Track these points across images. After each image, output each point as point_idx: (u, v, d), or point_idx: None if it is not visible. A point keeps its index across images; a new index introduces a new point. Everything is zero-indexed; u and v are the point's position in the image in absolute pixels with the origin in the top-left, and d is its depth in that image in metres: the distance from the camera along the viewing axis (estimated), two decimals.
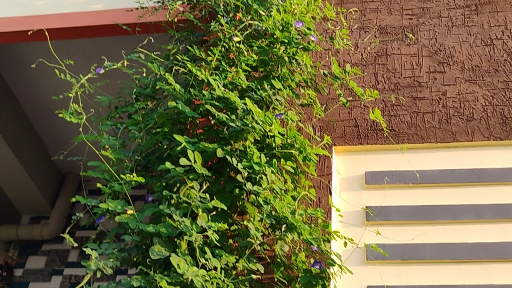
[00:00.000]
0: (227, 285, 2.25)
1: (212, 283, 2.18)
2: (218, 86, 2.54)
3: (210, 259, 2.19)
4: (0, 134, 4.33)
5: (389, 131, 3.08)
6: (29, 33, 3.05)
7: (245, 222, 2.45)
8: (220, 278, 2.17)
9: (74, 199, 2.47)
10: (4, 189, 4.67)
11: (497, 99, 3.14)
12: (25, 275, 4.56)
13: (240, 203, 2.61)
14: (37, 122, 4.64)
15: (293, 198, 2.57)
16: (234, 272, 2.36)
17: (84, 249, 2.26)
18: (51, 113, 4.37)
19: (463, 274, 2.67)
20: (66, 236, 2.38)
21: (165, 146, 2.63)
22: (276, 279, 2.53)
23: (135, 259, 2.40)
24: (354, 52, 3.46)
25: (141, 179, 2.36)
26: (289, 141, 2.66)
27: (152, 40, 2.85)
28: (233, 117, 2.51)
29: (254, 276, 2.28)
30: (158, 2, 3.50)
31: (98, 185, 2.47)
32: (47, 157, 4.75)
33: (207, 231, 2.21)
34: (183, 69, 2.68)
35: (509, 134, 3.02)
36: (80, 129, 2.44)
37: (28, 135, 4.58)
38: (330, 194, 2.88)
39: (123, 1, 3.84)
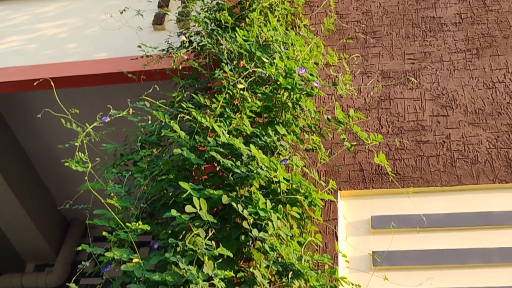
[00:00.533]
0: None
1: None
2: (223, 133, 2.56)
3: None
4: (6, 181, 4.35)
5: (394, 175, 3.08)
6: (35, 83, 3.09)
7: (251, 269, 2.43)
8: None
9: (80, 248, 2.46)
10: (9, 237, 4.66)
11: (501, 142, 3.15)
12: None
13: (246, 249, 2.59)
14: (43, 169, 4.66)
15: (300, 244, 2.55)
16: None
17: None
18: (57, 160, 4.39)
19: None
20: (72, 285, 2.36)
21: (170, 193, 2.64)
22: None
23: None
24: (357, 97, 3.49)
25: (147, 227, 2.36)
26: (294, 186, 2.66)
27: (157, 88, 2.88)
28: (238, 163, 2.52)
29: None
30: (163, 50, 3.55)
31: (104, 233, 2.47)
32: (53, 205, 4.76)
33: (213, 279, 2.20)
34: (188, 116, 2.70)
35: None
36: (86, 178, 2.45)
37: (33, 183, 4.59)
38: (337, 239, 2.86)
39: (128, 50, 3.90)
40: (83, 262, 2.39)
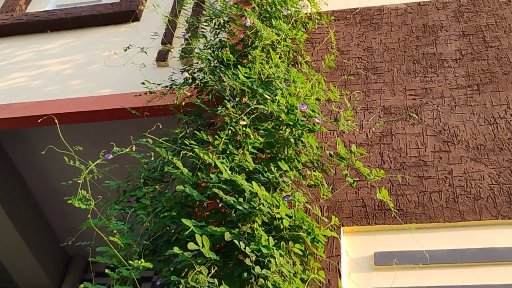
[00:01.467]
0: None
1: None
2: (225, 169, 2.57)
3: None
4: (8, 217, 4.35)
5: (396, 211, 3.08)
6: (39, 120, 3.12)
7: None
8: None
9: (82, 286, 2.46)
10: (10, 271, 4.65)
11: (503, 178, 3.15)
12: None
13: (249, 287, 2.59)
14: (46, 205, 4.67)
15: (302, 280, 2.54)
16: None
17: None
18: (60, 196, 4.39)
19: None
20: None
21: (173, 230, 2.64)
22: None
23: None
24: (359, 133, 3.50)
25: (149, 265, 2.36)
26: (297, 222, 2.66)
27: (160, 126, 2.91)
28: (241, 199, 2.53)
29: None
30: (166, 86, 3.59)
31: (107, 270, 2.47)
32: (55, 240, 4.75)
33: None
34: (190, 153, 2.72)
35: None
36: (89, 215, 2.46)
37: (36, 218, 4.59)
38: (340, 276, 2.85)
39: (132, 86, 3.94)
40: None
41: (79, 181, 2.55)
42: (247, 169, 2.77)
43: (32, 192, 4.52)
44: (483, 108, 3.50)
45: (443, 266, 2.91)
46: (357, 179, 3.18)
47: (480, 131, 3.39)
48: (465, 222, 3.03)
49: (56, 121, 2.93)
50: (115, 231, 2.61)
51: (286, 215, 2.59)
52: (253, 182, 2.52)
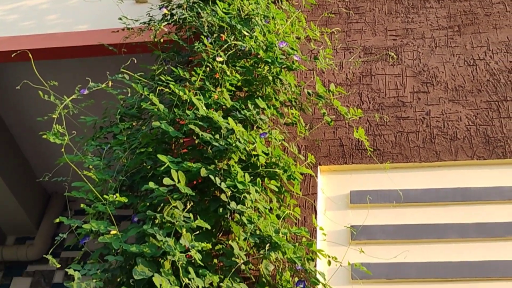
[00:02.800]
0: None
1: None
2: (202, 106, 2.55)
3: (193, 278, 2.18)
4: None
5: (373, 150, 3.10)
6: (12, 55, 3.05)
7: (229, 242, 2.44)
8: None
9: (57, 220, 2.46)
10: None
11: (480, 119, 3.17)
12: None
13: (225, 222, 2.61)
14: (24, 143, 4.63)
15: (278, 217, 2.57)
16: None
17: (67, 269, 2.25)
18: (37, 134, 4.36)
19: None
20: (49, 257, 2.36)
21: (149, 166, 2.63)
22: None
23: (118, 279, 2.39)
24: (339, 73, 3.49)
25: (124, 199, 2.36)
26: (273, 160, 2.66)
27: (135, 61, 2.86)
28: (217, 136, 2.52)
29: None
30: (144, 23, 3.52)
31: (82, 205, 2.47)
32: (33, 178, 4.73)
33: (190, 251, 2.21)
34: (167, 90, 2.69)
35: (492, 153, 3.04)
36: (62, 149, 2.44)
37: (14, 157, 4.56)
38: (315, 213, 2.88)
39: (109, 22, 3.86)
40: (60, 234, 2.39)
41: (54, 116, 2.52)
42: (224, 107, 2.76)
43: (9, 129, 4.48)
44: (463, 50, 3.49)
45: (418, 205, 2.94)
46: (334, 116, 3.18)
47: (460, 73, 3.39)
48: (441, 162, 3.06)
49: (30, 56, 2.87)
50: (91, 167, 2.60)
51: (263, 152, 2.59)
52: (230, 118, 2.51)
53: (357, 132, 2.85)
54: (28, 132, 4.46)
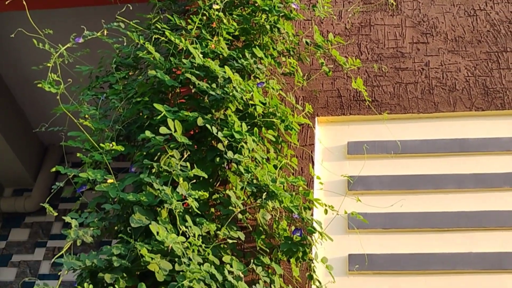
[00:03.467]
0: (208, 253, 2.25)
1: (193, 251, 2.18)
2: (198, 55, 2.52)
3: (190, 226, 2.19)
4: None
5: (371, 100, 3.08)
6: (6, 2, 2.99)
7: (227, 191, 2.44)
8: (200, 245, 2.17)
9: (54, 169, 2.45)
10: None
11: (480, 70, 3.14)
12: (8, 247, 4.55)
13: (222, 172, 2.60)
14: (19, 95, 4.59)
15: (275, 167, 2.56)
16: (216, 241, 2.37)
17: (64, 217, 2.25)
18: (33, 85, 4.32)
19: (444, 242, 2.69)
20: (46, 206, 2.36)
21: (145, 116, 2.61)
22: (258, 248, 2.53)
23: (116, 228, 2.39)
24: (338, 23, 3.43)
25: (121, 148, 2.34)
26: (270, 110, 2.64)
27: (131, 8, 2.81)
28: (214, 85, 2.50)
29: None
30: None
31: (78, 154, 2.45)
32: (30, 130, 4.71)
33: (187, 200, 2.21)
34: (163, 38, 2.65)
35: (491, 104, 3.03)
36: (58, 97, 2.41)
37: (10, 108, 4.53)
38: (312, 163, 2.87)
39: None
40: (57, 183, 2.39)
41: (48, 64, 2.48)
42: (221, 56, 2.72)
43: (4, 80, 4.43)
44: (463, 0, 3.44)
45: (415, 155, 2.94)
46: (332, 66, 3.15)
47: (459, 23, 3.34)
48: (439, 113, 3.04)
49: (24, 3, 2.81)
50: (87, 116, 2.58)
51: (260, 101, 2.57)
52: (226, 67, 2.48)
53: (355, 82, 2.83)
54: (24, 84, 4.42)
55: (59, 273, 4.21)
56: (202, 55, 2.57)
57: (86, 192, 2.58)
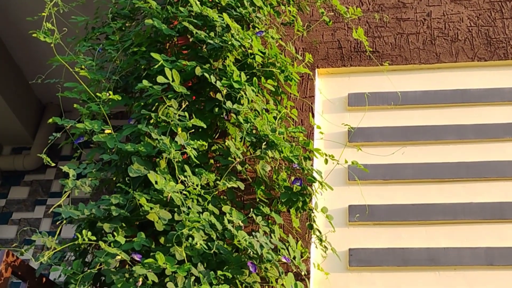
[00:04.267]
0: (208, 202, 2.23)
1: (192, 200, 2.16)
2: (196, 3, 2.47)
3: (189, 176, 2.17)
4: None
5: (372, 51, 3.03)
6: None
7: (226, 142, 2.41)
8: (199, 194, 2.16)
9: (51, 120, 2.42)
10: None
11: (482, 20, 3.09)
12: (8, 205, 4.54)
13: (221, 123, 2.57)
14: (16, 52, 4.53)
15: (275, 118, 2.53)
16: (215, 192, 2.35)
17: (61, 167, 2.23)
18: (30, 42, 4.27)
19: (444, 193, 2.68)
20: (44, 156, 2.35)
21: (143, 66, 2.57)
22: (258, 199, 2.52)
23: (114, 178, 2.37)
24: None
25: (118, 97, 2.31)
26: (270, 60, 2.60)
27: None
28: (212, 34, 2.45)
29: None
30: None
31: (75, 105, 2.42)
32: (28, 88, 4.66)
33: (186, 149, 2.18)
34: None
35: (493, 54, 2.98)
36: (52, 45, 2.36)
37: (6, 66, 4.48)
38: (313, 115, 2.84)
39: None
40: (54, 134, 2.36)
41: (43, 14, 2.43)
42: (219, 5, 2.66)
43: (1, 38, 4.37)
44: None
45: (416, 106, 2.91)
46: (332, 14, 3.09)
47: None
48: (441, 64, 3.00)
49: None
50: (83, 67, 2.54)
51: (259, 51, 2.53)
52: (225, 14, 2.43)
53: (356, 32, 2.78)
54: (20, 40, 4.36)
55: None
56: (200, 3, 2.52)
57: (86, 150, 2.56)
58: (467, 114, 2.86)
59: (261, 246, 2.09)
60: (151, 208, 2.10)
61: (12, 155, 4.71)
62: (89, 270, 2.00)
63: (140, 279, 1.97)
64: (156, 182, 2.05)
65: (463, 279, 2.49)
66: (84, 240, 1.98)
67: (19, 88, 4.57)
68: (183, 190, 2.08)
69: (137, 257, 2.03)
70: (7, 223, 4.51)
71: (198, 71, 2.38)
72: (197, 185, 2.15)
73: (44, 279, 2.28)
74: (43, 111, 4.91)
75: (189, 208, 2.09)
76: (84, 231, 1.98)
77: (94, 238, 2.01)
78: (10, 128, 4.65)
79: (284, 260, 2.17)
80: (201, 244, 2.00)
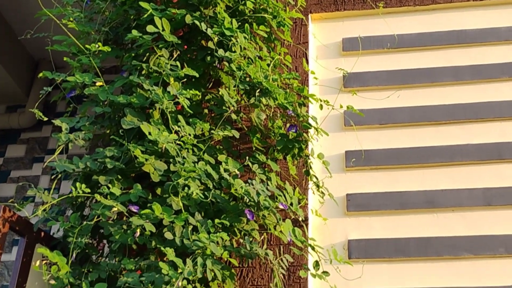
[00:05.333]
0: (203, 152, 2.22)
1: (187, 150, 2.15)
2: None
3: (183, 126, 2.15)
4: None
5: None
6: None
7: (220, 91, 2.39)
8: (194, 144, 2.14)
9: (41, 74, 2.39)
10: None
11: None
12: (6, 163, 4.53)
13: (214, 72, 2.54)
14: (5, 8, 4.47)
15: (269, 65, 2.49)
16: (211, 142, 2.33)
17: (53, 121, 2.21)
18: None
19: (441, 135, 2.66)
20: (36, 111, 2.33)
21: (132, 16, 2.52)
22: (254, 148, 2.51)
23: (108, 131, 2.36)
24: None
25: (107, 48, 2.27)
26: (262, 6, 2.55)
27: None
28: None
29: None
30: None
31: (65, 59, 2.39)
32: (19, 44, 4.60)
33: (179, 99, 2.16)
34: None
35: None
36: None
37: None
38: (307, 61, 2.81)
39: None
40: (45, 88, 2.34)
41: None
42: None
43: None
44: None
45: (412, 49, 2.87)
46: None
47: None
48: (436, 5, 2.95)
49: None
50: (71, 19, 2.49)
51: None
52: None
53: None
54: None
55: (53, 184, 4.22)
56: None
57: (80, 105, 2.53)
58: (463, 55, 2.83)
59: (258, 193, 2.08)
60: (146, 160, 2.09)
61: (7, 114, 4.68)
62: (85, 223, 2.00)
63: (138, 230, 1.97)
64: (149, 133, 2.04)
65: (461, 220, 2.50)
66: (78, 192, 1.97)
67: (10, 45, 4.51)
68: (177, 140, 2.07)
69: (134, 208, 2.03)
70: (6, 181, 4.51)
71: (188, 19, 2.33)
72: (190, 134, 2.14)
73: (42, 233, 2.28)
74: (36, 68, 4.86)
75: (184, 158, 2.08)
76: (78, 184, 1.97)
77: (88, 190, 2.01)
78: (4, 86, 4.61)
79: (281, 207, 2.17)
80: (197, 194, 2.00)
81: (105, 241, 2.29)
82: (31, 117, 4.57)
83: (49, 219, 2.14)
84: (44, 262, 2.15)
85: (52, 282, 1.97)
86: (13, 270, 2.14)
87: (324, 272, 2.15)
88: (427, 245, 2.45)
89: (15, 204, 2.10)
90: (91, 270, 2.06)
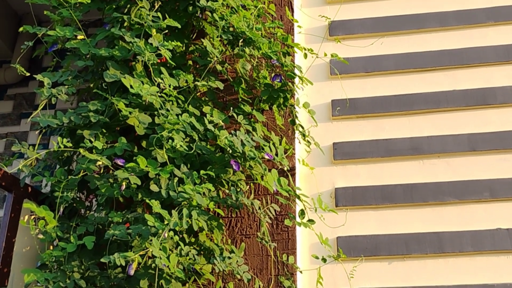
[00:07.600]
0: (188, 104, 2.21)
1: (172, 103, 2.14)
2: None
3: (166, 78, 2.13)
4: None
5: None
6: None
7: (203, 43, 2.36)
8: (177, 96, 2.13)
9: (21, 29, 2.36)
10: None
11: None
12: None
13: (197, 23, 2.51)
14: None
15: (252, 15, 2.46)
16: (196, 93, 2.32)
17: (35, 76, 2.19)
18: None
19: (427, 82, 2.66)
20: (18, 66, 2.31)
21: None
22: (240, 99, 2.50)
23: (91, 85, 2.34)
24: None
25: (87, 0, 2.23)
26: None
27: None
28: None
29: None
30: None
31: (46, 12, 2.35)
32: (2, 0, 4.53)
33: (161, 50, 2.13)
34: None
35: None
36: None
37: None
38: (291, 9, 2.77)
39: None
40: (26, 42, 2.31)
41: None
42: None
43: None
44: None
45: None
46: None
47: None
48: None
49: None
50: None
51: None
52: None
53: None
54: None
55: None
56: None
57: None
58: (448, 0, 2.80)
59: (243, 144, 2.09)
60: (130, 113, 2.08)
61: None
62: (71, 177, 2.01)
63: (124, 183, 1.98)
64: (131, 86, 2.02)
65: (446, 166, 2.52)
66: (60, 147, 1.97)
67: None
68: (159, 92, 2.05)
69: (120, 162, 2.03)
70: None
71: None
72: (171, 86, 2.12)
73: (29, 189, 2.29)
74: (19, 23, 4.79)
75: (168, 110, 2.07)
76: (59, 138, 1.97)
77: (70, 145, 2.00)
78: None
79: (267, 157, 2.17)
80: (181, 146, 2.00)
81: (93, 195, 2.30)
82: (17, 72, 4.51)
83: (36, 175, 2.14)
84: (32, 217, 2.17)
85: (41, 236, 1.99)
86: (1, 225, 2.15)
87: (310, 220, 2.17)
88: (413, 191, 2.47)
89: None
90: (79, 223, 2.07)
